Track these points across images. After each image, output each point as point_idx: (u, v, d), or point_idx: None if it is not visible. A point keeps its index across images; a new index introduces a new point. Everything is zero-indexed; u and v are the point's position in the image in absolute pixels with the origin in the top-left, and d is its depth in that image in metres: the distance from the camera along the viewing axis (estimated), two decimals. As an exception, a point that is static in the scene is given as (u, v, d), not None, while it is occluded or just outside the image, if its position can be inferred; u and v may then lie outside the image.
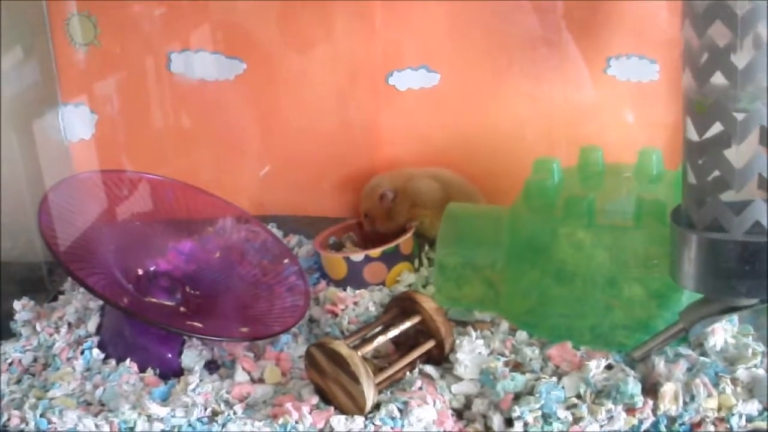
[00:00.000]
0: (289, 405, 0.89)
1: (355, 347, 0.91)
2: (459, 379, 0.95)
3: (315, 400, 0.92)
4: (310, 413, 0.89)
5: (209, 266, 1.16)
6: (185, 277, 1.13)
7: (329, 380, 0.90)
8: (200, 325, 0.99)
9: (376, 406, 0.89)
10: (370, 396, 0.87)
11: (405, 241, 1.19)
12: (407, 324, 0.96)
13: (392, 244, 1.17)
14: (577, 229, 0.98)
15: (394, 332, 0.95)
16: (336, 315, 1.10)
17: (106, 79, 1.35)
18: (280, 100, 1.33)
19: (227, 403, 0.94)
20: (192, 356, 1.02)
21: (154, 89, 1.35)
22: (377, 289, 1.17)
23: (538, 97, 1.29)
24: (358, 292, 1.15)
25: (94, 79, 1.35)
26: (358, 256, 1.16)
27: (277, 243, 1.21)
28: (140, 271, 1.11)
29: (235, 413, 0.91)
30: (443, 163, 1.31)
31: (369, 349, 0.93)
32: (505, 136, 1.31)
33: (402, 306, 0.99)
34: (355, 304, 1.13)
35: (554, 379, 0.92)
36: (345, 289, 1.16)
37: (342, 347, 0.88)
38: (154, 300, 1.07)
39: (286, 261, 1.16)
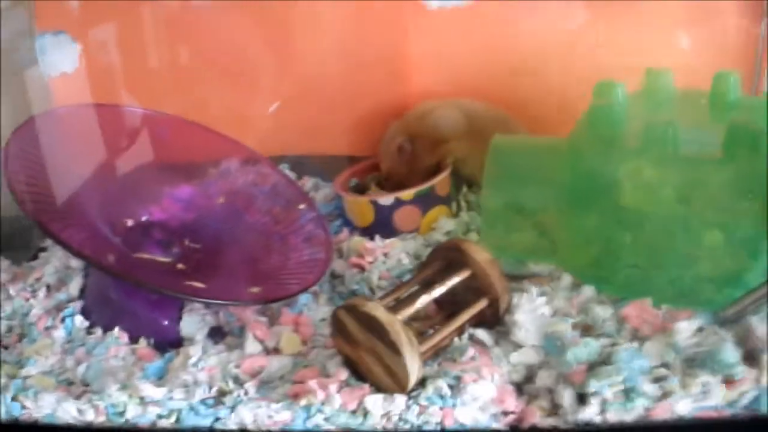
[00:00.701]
0: (312, 382, 0.73)
1: (393, 309, 0.74)
2: (518, 346, 0.78)
3: (344, 374, 0.75)
4: (339, 392, 0.72)
5: (212, 215, 0.99)
6: (183, 229, 0.96)
7: (362, 350, 0.73)
8: (201, 285, 0.83)
9: (421, 382, 0.73)
10: (414, 370, 0.70)
11: (441, 181, 1.01)
12: (455, 280, 0.79)
13: (426, 185, 1.00)
14: (652, 162, 0.81)
15: (440, 290, 0.78)
16: (363, 269, 0.94)
17: (89, 2, 1.15)
18: (292, 22, 1.15)
19: (236, 380, 0.77)
20: (193, 323, 0.85)
21: (148, 12, 1.16)
22: (410, 238, 1.00)
23: (591, 16, 1.12)
24: (387, 241, 0.98)
25: (75, 2, 1.15)
26: (387, 199, 0.99)
27: (291, 186, 1.04)
28: (130, 222, 0.93)
29: (246, 393, 0.75)
30: (480, 93, 1.13)
31: (410, 311, 0.76)
32: (553, 61, 1.13)
33: (447, 257, 0.82)
34: (385, 255, 0.96)
35: (635, 344, 0.75)
36: (372, 239, 0.99)
37: (379, 311, 0.71)
38: (146, 256, 0.90)
39: (301, 207, 0.99)
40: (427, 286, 0.79)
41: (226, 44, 1.17)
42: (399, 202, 0.99)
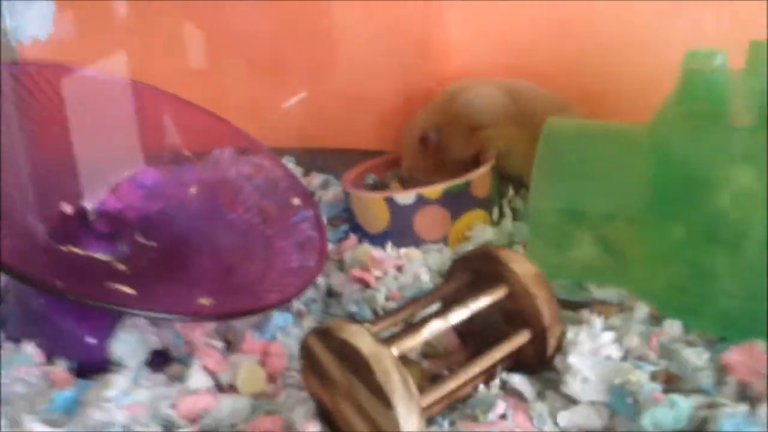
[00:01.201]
0: (264, 438, 0.49)
1: (390, 340, 0.50)
2: (572, 401, 0.54)
3: (314, 427, 0.51)
4: (303, 455, 0.49)
5: (182, 207, 0.77)
6: (141, 222, 0.74)
7: (339, 395, 0.50)
8: (131, 291, 0.60)
9: (424, 448, 0.49)
10: (411, 429, 0.46)
11: (479, 177, 0.78)
12: (484, 301, 0.55)
13: (459, 180, 0.77)
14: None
15: (460, 314, 0.54)
16: (368, 285, 0.70)
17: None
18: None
19: (168, 425, 0.54)
20: (129, 343, 0.63)
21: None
22: (435, 249, 0.76)
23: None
24: (403, 251, 0.75)
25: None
26: (407, 197, 0.76)
27: (289, 179, 0.82)
28: (68, 209, 0.71)
29: (174, 447, 0.52)
30: (533, 78, 0.89)
31: (413, 343, 0.52)
32: (626, 37, 0.89)
33: (477, 270, 0.58)
34: (399, 269, 0.73)
35: (743, 406, 0.50)
36: (384, 248, 0.76)
37: (362, 339, 0.48)
38: (78, 251, 0.67)
39: (296, 202, 0.77)
40: (445, 308, 0.55)
41: (237, 20, 0.97)
42: (422, 201, 0.76)
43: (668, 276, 0.65)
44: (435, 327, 0.52)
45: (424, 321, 0.53)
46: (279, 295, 0.63)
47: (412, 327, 0.52)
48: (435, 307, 0.59)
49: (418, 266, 0.73)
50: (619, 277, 0.68)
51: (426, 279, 0.71)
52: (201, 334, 0.62)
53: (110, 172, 0.78)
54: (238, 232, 0.76)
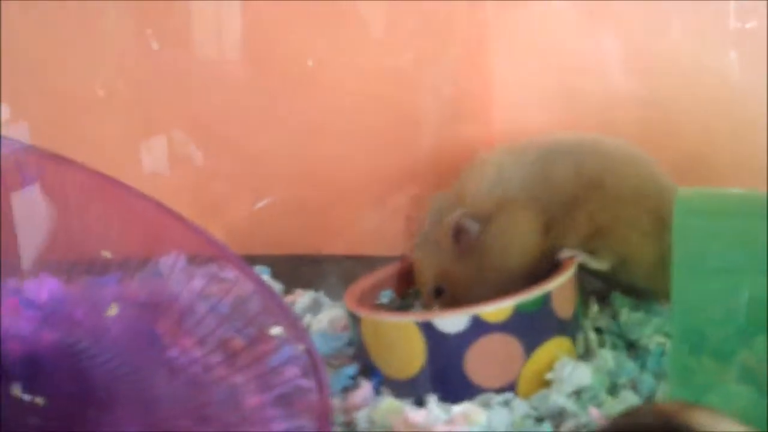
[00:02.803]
0: None
1: None
2: None
3: None
4: None
5: (96, 340, 0.48)
6: (25, 363, 0.46)
7: None
8: None
9: None
10: None
11: (563, 285, 0.51)
12: None
13: (537, 293, 0.49)
14: None
15: None
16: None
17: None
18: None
19: None
20: None
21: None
22: (499, 402, 0.49)
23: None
24: (456, 409, 0.47)
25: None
26: (455, 321, 0.48)
27: (265, 298, 0.54)
28: None
29: None
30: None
31: None
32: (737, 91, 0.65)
33: None
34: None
35: None
36: (421, 404, 0.48)
37: None
38: None
39: (276, 332, 0.49)
40: None
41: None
42: (480, 328, 0.49)
43: None
44: None
45: None
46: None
47: None
48: None
49: (483, 434, 0.44)
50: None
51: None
52: None
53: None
54: (186, 379, 0.47)
